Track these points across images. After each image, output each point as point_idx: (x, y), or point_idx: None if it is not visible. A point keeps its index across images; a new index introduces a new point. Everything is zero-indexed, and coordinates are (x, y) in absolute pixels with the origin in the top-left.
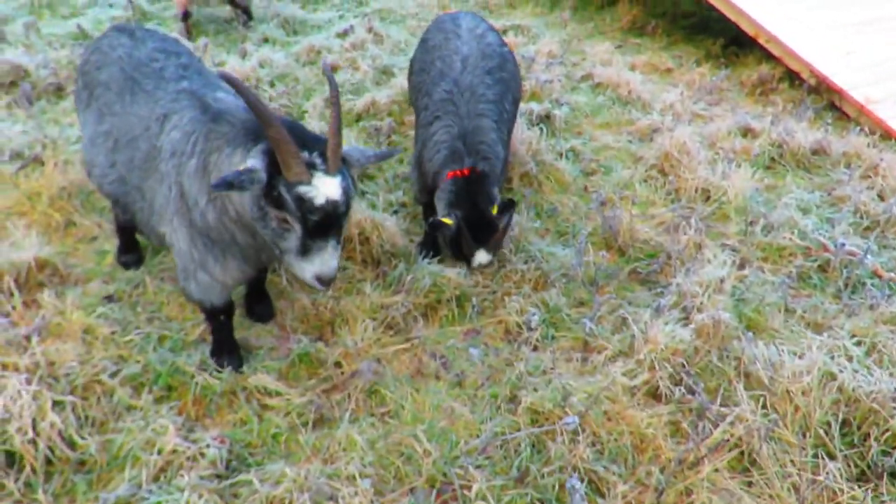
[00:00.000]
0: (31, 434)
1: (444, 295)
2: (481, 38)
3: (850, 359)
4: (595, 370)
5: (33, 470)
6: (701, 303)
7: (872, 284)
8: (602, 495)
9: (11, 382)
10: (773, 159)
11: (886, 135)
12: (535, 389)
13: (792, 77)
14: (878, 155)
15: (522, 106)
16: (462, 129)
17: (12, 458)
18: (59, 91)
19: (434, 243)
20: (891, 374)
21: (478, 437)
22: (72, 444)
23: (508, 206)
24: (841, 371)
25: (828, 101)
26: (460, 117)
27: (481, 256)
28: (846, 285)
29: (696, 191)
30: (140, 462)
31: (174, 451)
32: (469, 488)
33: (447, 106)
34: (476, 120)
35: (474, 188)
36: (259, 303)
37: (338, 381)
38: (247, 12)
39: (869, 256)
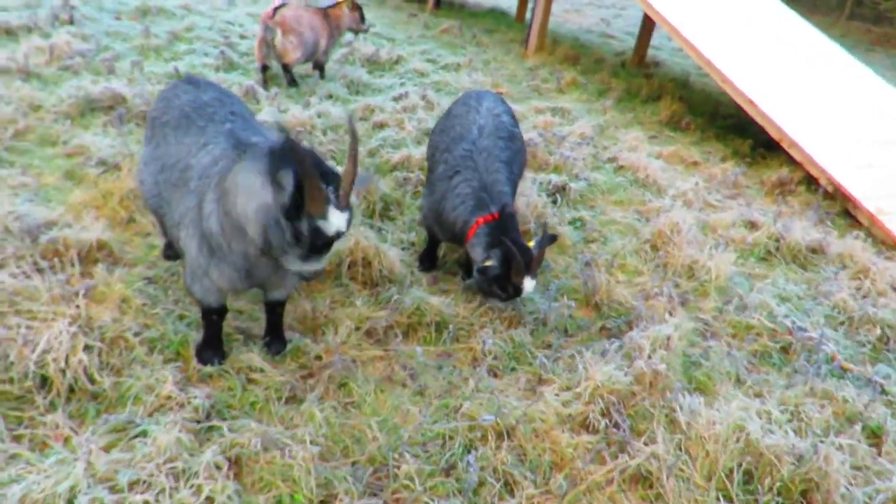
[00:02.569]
0: (62, 365)
1: (425, 318)
2: (497, 117)
3: (769, 420)
4: (539, 398)
5: (58, 393)
6: (649, 355)
7: (830, 371)
8: (512, 494)
9: (57, 325)
10: (769, 251)
11: (895, 246)
12: (481, 403)
13: (810, 181)
14: (872, 259)
15: (541, 176)
16: (482, 183)
17: (45, 381)
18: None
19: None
20: (796, 433)
21: (422, 434)
22: (91, 380)
23: (552, 239)
24: (749, 424)
25: (842, 208)
26: (479, 172)
27: (529, 283)
28: (815, 369)
29: (681, 267)
30: (141, 401)
31: (168, 397)
32: (399, 468)
33: (467, 162)
34: (493, 175)
35: (507, 226)
36: (274, 338)
37: (314, 370)
38: (321, 70)
39: (831, 344)
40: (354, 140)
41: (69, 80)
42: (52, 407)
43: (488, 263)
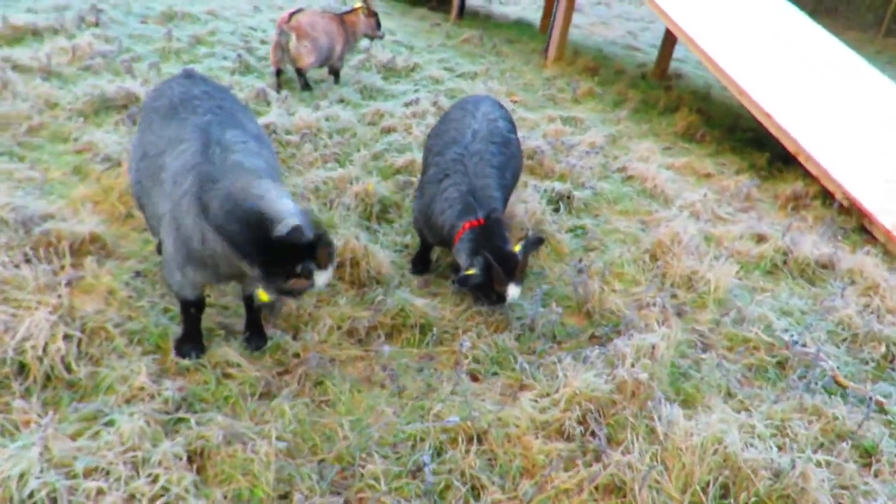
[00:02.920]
0: (40, 353)
1: (409, 320)
2: (492, 122)
3: (752, 434)
4: (514, 402)
5: (35, 380)
6: (632, 364)
7: (823, 387)
8: (478, 499)
9: (39, 314)
10: (775, 265)
11: None
12: (453, 406)
13: (826, 196)
14: (883, 275)
15: (546, 183)
16: (471, 187)
17: (23, 368)
18: None
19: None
20: (780, 448)
21: (394, 435)
22: (68, 368)
23: (538, 242)
24: (729, 437)
25: (858, 223)
26: (469, 176)
27: (513, 290)
28: (806, 384)
29: (679, 277)
30: (114, 391)
31: (141, 388)
32: (365, 468)
33: (457, 166)
34: (483, 179)
35: (492, 232)
36: (254, 334)
37: (290, 367)
38: (336, 75)
39: (831, 360)
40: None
41: (88, 79)
42: (27, 393)
43: (470, 272)
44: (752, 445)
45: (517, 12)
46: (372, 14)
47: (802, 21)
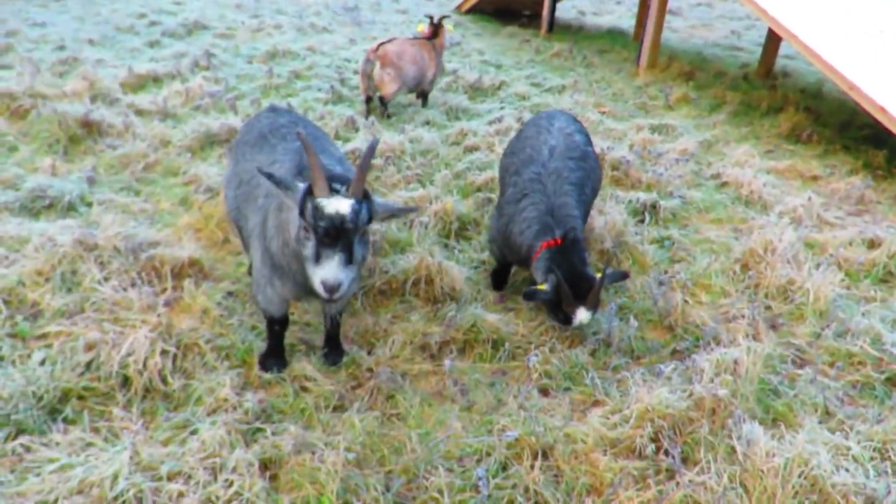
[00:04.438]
0: (141, 367)
1: (481, 335)
2: (569, 137)
3: (847, 456)
4: (584, 418)
5: (135, 392)
6: (711, 379)
7: None
8: None
9: (140, 331)
10: (889, 272)
11: None
12: (515, 420)
13: None
14: None
15: (631, 194)
16: (549, 206)
17: (126, 380)
18: None
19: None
20: (879, 473)
21: (460, 449)
22: (164, 381)
23: (621, 277)
24: (817, 458)
25: None
26: (547, 195)
27: (582, 314)
28: None
29: (774, 288)
30: (202, 402)
31: (225, 400)
32: (429, 480)
33: (535, 185)
34: (562, 198)
35: (569, 251)
36: (332, 349)
37: (362, 381)
38: (424, 99)
39: None
40: (370, 149)
41: (197, 117)
42: (128, 404)
43: (540, 287)
44: (844, 469)
45: (610, 21)
46: (441, 25)
47: None
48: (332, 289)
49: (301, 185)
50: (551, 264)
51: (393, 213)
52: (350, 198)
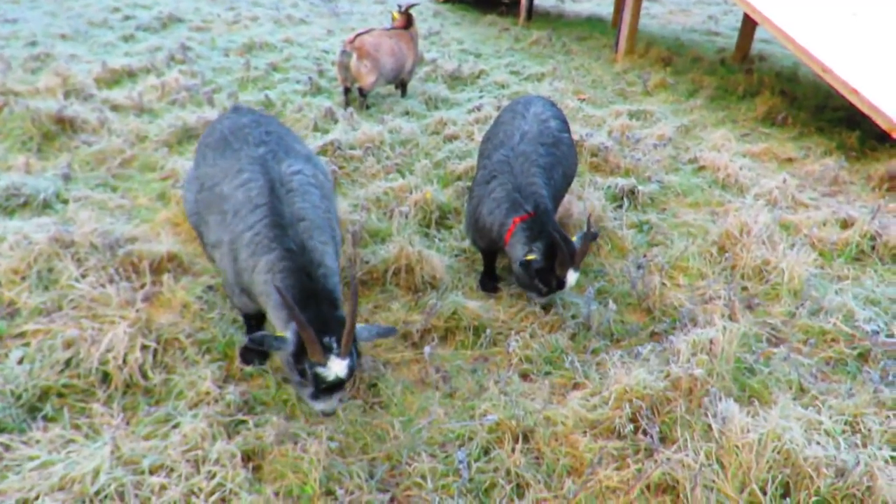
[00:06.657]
0: (121, 363)
1: (462, 322)
2: (543, 122)
3: (819, 430)
4: (564, 401)
5: (116, 387)
6: (687, 359)
7: None
8: (522, 497)
9: (119, 327)
10: (862, 251)
11: None
12: (496, 404)
13: None
14: None
15: (609, 179)
16: (516, 185)
17: (106, 376)
18: None
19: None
20: (850, 446)
21: (442, 435)
22: (145, 376)
23: (593, 237)
24: (789, 433)
25: None
26: (514, 176)
27: (572, 276)
28: (882, 376)
29: (750, 269)
30: (183, 396)
31: (206, 393)
32: (411, 466)
33: (503, 167)
34: (528, 178)
35: (544, 221)
36: None
37: None
38: (404, 89)
39: None
40: (355, 298)
41: (174, 112)
42: (109, 399)
43: (531, 257)
44: (816, 442)
45: (589, 9)
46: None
47: None
48: (330, 414)
49: (290, 339)
50: (533, 234)
51: (374, 339)
52: (344, 358)
